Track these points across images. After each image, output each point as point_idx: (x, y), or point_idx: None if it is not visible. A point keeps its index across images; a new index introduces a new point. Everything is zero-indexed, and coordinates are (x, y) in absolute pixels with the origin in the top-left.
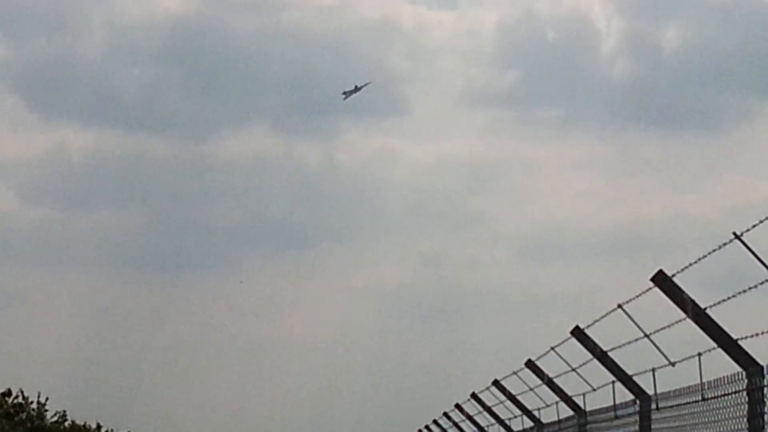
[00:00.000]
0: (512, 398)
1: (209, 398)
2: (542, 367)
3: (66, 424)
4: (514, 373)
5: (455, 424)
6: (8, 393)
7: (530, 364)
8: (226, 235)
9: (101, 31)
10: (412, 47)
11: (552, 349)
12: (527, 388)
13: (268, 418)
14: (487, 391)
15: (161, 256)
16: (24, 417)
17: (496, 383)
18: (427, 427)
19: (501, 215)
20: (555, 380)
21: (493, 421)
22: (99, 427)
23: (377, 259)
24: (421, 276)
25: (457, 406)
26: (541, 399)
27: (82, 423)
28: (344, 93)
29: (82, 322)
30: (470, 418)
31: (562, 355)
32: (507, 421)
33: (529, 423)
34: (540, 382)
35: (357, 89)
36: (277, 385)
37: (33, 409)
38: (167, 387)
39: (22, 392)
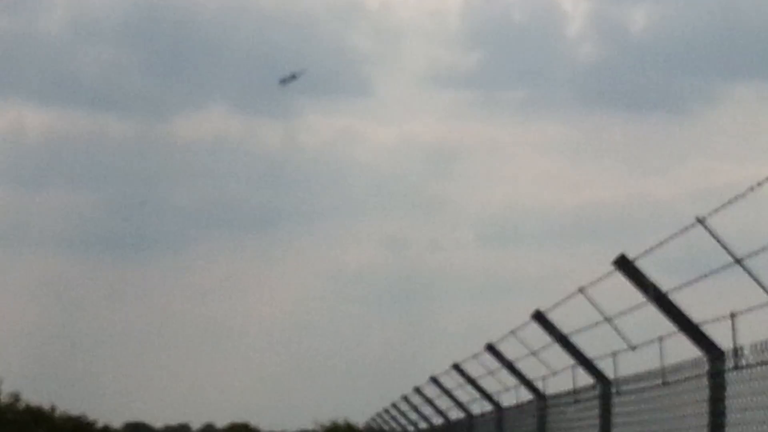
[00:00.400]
0: (472, 381)
1: (165, 380)
2: (502, 351)
3: (19, 405)
4: (474, 356)
5: (414, 408)
6: None
7: (490, 348)
8: (185, 215)
9: (60, 9)
10: (376, 27)
11: (512, 332)
12: (487, 372)
13: (224, 401)
14: (446, 375)
15: (119, 237)
16: None
17: (455, 366)
18: (386, 410)
19: (463, 198)
20: (515, 364)
21: (452, 404)
22: (53, 408)
23: (338, 241)
24: (383, 258)
25: (417, 389)
26: (501, 383)
27: (36, 405)
28: (281, 80)
29: (37, 303)
30: (429, 401)
31: (523, 339)
32: (466, 405)
33: (488, 407)
34: (500, 365)
35: (294, 77)
36: (234, 367)
37: None
38: (123, 369)
39: None
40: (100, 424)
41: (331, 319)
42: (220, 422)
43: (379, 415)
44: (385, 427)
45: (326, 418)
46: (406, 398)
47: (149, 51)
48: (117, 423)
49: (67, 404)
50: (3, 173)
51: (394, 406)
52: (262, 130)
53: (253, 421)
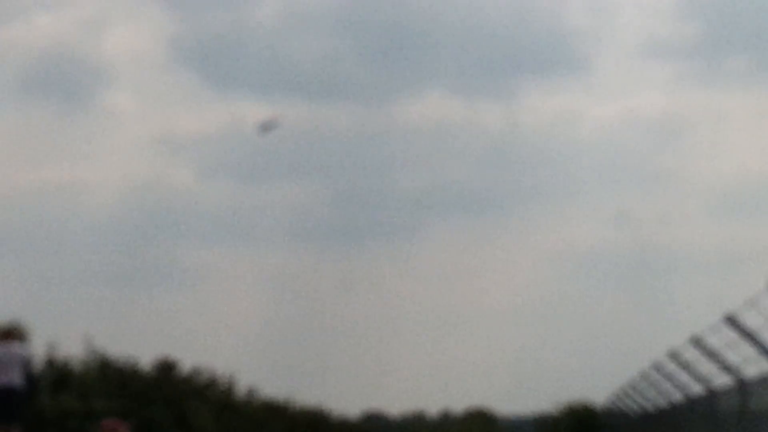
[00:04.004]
0: (712, 355)
1: (399, 368)
2: (742, 322)
3: (255, 400)
4: (713, 328)
5: (653, 384)
6: (197, 371)
7: (729, 319)
8: (409, 202)
9: (274, 1)
10: (591, 3)
11: (751, 302)
12: (727, 344)
13: (460, 387)
14: (684, 349)
15: (343, 227)
16: (213, 394)
17: (694, 340)
18: (623, 388)
19: (691, 170)
20: (757, 335)
21: (691, 379)
22: (289, 402)
23: (566, 221)
24: (612, 235)
25: (655, 365)
26: (742, 355)
27: (271, 399)
28: (261, 127)
29: (265, 297)
30: (668, 377)
31: (763, 309)
32: (707, 379)
33: (730, 380)
34: (740, 337)
35: (275, 124)
36: (468, 352)
37: (222, 387)
38: (357, 359)
39: (210, 370)
40: (336, 415)
41: (562, 299)
42: (457, 408)
43: (616, 393)
44: (623, 407)
45: (563, 400)
46: (643, 375)
47: (364, 38)
48: (353, 413)
49: (303, 397)
50: (225, 169)
51: (631, 383)
52: (482, 112)
53: (489, 406)
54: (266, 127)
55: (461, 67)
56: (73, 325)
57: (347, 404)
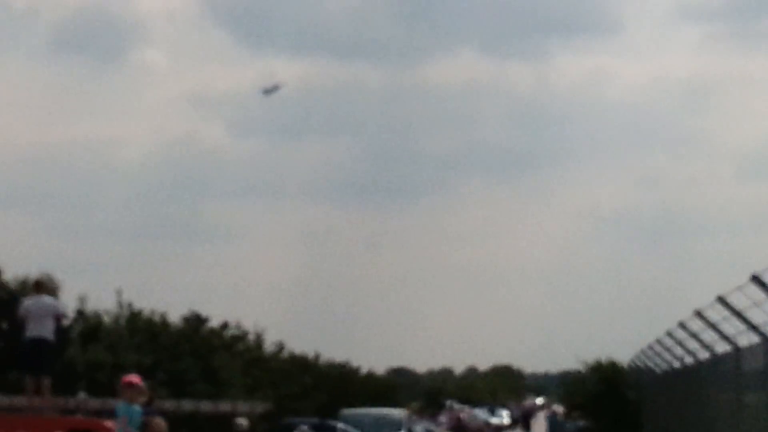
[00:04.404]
0: (738, 314)
1: (427, 325)
2: None
3: (283, 354)
4: (739, 288)
5: (679, 343)
6: (225, 325)
7: (756, 279)
8: (438, 161)
9: None
10: None
11: None
12: (753, 303)
13: (486, 344)
14: (711, 308)
15: (374, 185)
16: (242, 348)
17: (720, 299)
18: (650, 346)
19: (720, 132)
20: None
21: (718, 337)
22: (318, 356)
23: (594, 180)
24: (640, 196)
25: (681, 323)
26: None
27: (300, 353)
28: (264, 91)
29: (295, 253)
30: (694, 335)
31: None
32: (732, 338)
33: (756, 338)
34: (766, 296)
35: (277, 87)
36: (495, 310)
37: (251, 341)
38: (385, 315)
39: (239, 324)
40: (364, 370)
41: (589, 259)
42: (483, 365)
43: (643, 351)
44: (650, 363)
45: (590, 358)
46: (669, 333)
47: None
48: (380, 369)
49: (332, 352)
50: (258, 126)
51: (658, 341)
52: (512, 72)
53: (515, 363)
54: (269, 91)
55: (492, 28)
56: (104, 279)
57: (375, 360)
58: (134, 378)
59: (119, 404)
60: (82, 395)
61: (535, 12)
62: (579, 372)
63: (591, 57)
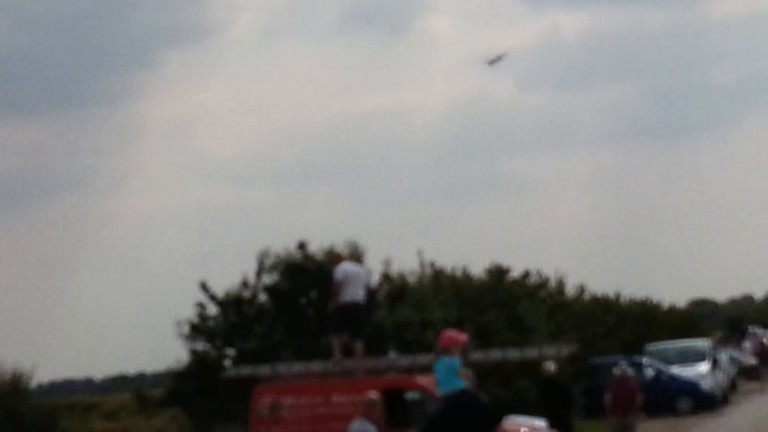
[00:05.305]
0: None
1: (722, 255)
2: None
3: (585, 297)
4: None
5: None
6: (527, 274)
7: None
8: (726, 94)
9: None
10: None
11: None
12: None
13: None
14: None
15: (661, 124)
16: (544, 295)
17: None
18: None
19: None
20: None
21: None
22: (618, 296)
23: None
24: None
25: None
26: None
27: (600, 294)
28: (489, 61)
29: (589, 198)
30: None
31: None
32: None
33: None
34: None
35: (500, 58)
36: None
37: (552, 287)
38: (682, 248)
39: (540, 272)
40: (665, 305)
41: None
42: None
43: None
44: None
45: None
46: None
47: None
48: (681, 302)
49: (632, 290)
50: (544, 78)
51: None
52: None
53: None
54: (493, 62)
55: None
56: (406, 241)
57: (675, 293)
58: (457, 334)
59: (444, 360)
60: (392, 355)
61: None
62: None
63: None
